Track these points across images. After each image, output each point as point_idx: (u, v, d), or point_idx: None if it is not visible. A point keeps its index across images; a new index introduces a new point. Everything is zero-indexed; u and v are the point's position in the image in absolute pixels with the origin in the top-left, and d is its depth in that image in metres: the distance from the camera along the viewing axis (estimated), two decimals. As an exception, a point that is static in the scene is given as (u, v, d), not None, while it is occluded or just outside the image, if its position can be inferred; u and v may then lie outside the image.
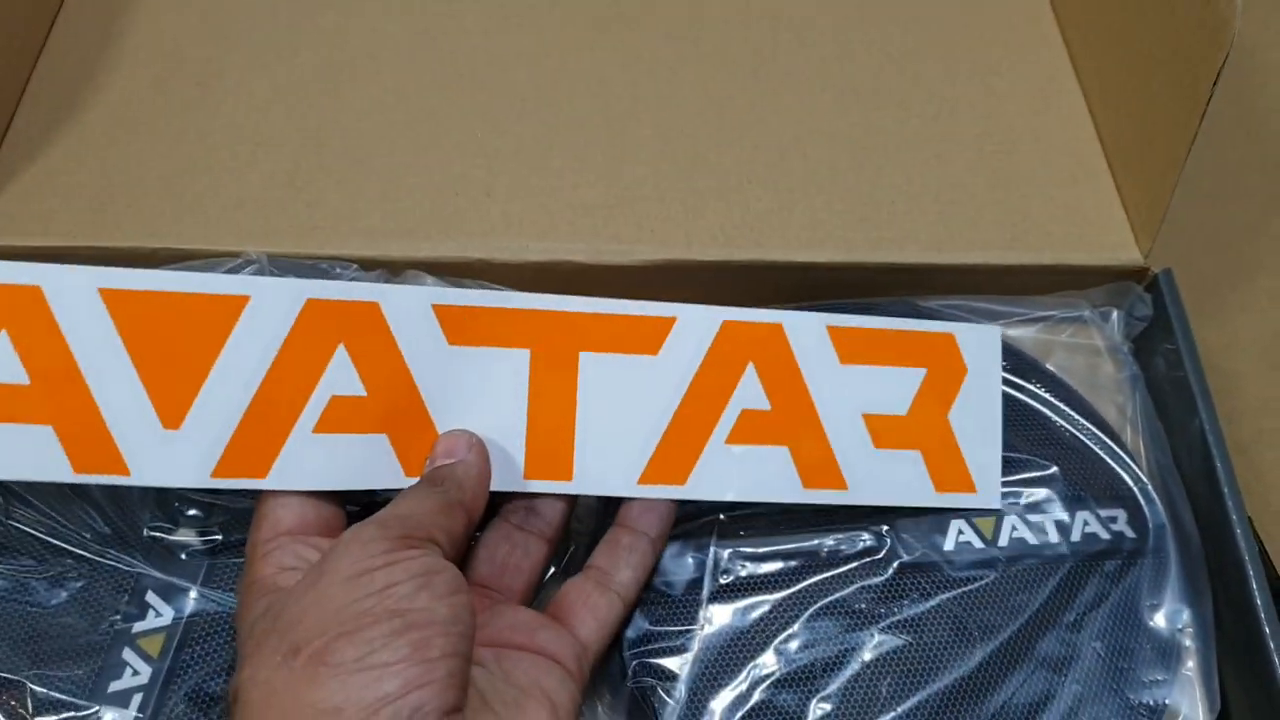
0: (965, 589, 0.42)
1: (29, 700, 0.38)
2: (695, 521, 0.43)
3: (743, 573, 0.42)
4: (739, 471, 0.42)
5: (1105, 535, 0.44)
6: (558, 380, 0.40)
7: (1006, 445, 0.45)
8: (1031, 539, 0.43)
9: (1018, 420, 0.46)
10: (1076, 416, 0.47)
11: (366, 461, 0.37)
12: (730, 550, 0.42)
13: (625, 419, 0.41)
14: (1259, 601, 0.42)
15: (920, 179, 0.51)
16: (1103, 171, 0.52)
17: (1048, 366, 0.49)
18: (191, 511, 0.41)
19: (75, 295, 0.35)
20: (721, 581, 0.42)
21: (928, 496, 0.44)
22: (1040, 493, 0.44)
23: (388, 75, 0.54)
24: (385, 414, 0.38)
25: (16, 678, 0.38)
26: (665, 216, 0.49)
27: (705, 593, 0.42)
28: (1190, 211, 0.49)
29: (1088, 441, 0.46)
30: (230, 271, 0.45)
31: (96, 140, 0.50)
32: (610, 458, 0.40)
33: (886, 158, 0.52)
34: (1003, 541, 0.43)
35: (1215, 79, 0.43)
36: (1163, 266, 0.49)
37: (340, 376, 0.37)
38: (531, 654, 0.36)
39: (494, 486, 0.38)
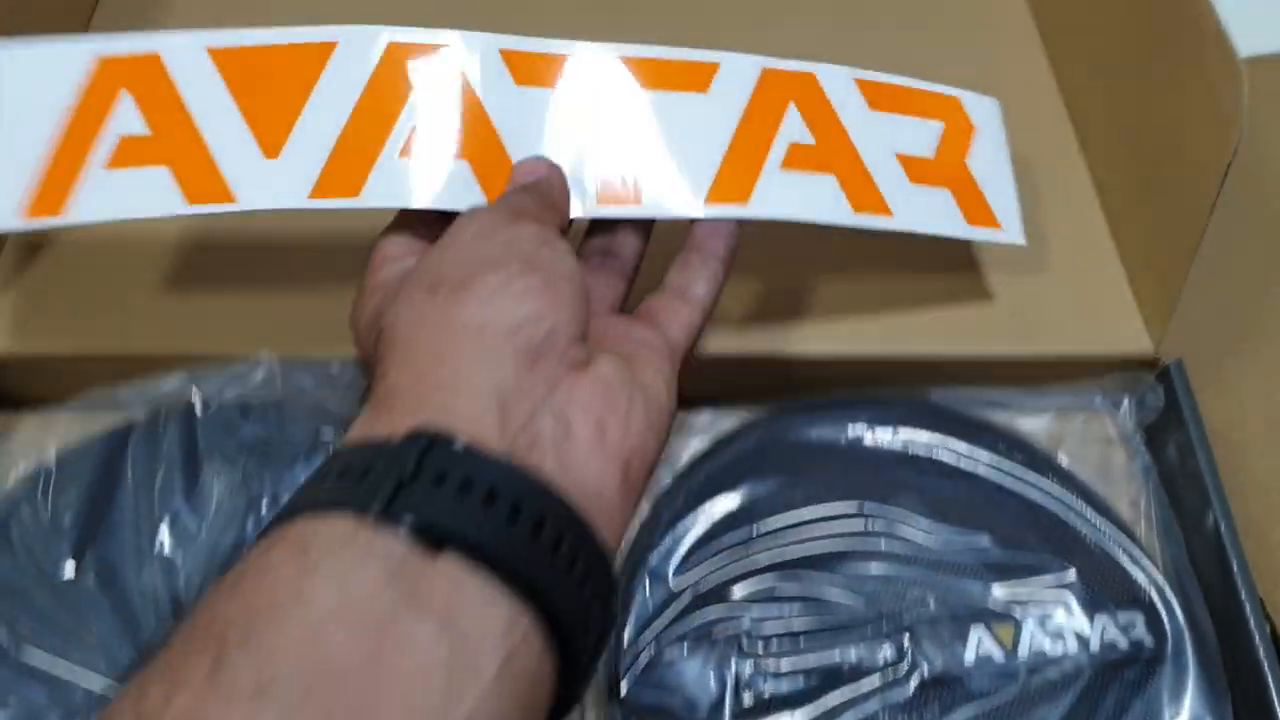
0: (987, 702, 0.42)
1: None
2: (718, 626, 0.43)
3: (765, 692, 0.42)
4: (795, 194, 0.43)
5: (1124, 643, 0.44)
6: (620, 115, 0.42)
7: (1022, 547, 0.45)
8: (1051, 649, 0.43)
9: (1035, 520, 0.46)
10: (1092, 516, 0.46)
11: (450, 184, 0.40)
12: (752, 667, 0.42)
13: (686, 147, 0.43)
14: (1278, 707, 0.42)
15: (929, 270, 0.51)
16: (1113, 261, 0.52)
17: (1061, 461, 0.48)
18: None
19: (187, 55, 0.40)
20: (745, 702, 0.42)
21: (962, 228, 0.47)
22: (1059, 598, 0.44)
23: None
24: (463, 143, 0.40)
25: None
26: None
27: (728, 714, 0.42)
28: (1200, 297, 0.49)
29: (1104, 542, 0.46)
30: (239, 377, 0.45)
31: (98, 249, 0.49)
32: (675, 181, 0.42)
33: (895, 248, 0.51)
34: (1023, 653, 0.43)
35: (1224, 173, 0.43)
36: (1174, 354, 0.49)
37: (423, 114, 0.40)
38: (630, 343, 0.36)
39: (570, 213, 0.40)
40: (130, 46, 0.39)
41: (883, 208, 0.45)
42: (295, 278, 0.49)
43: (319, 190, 0.39)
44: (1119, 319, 0.50)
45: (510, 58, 0.42)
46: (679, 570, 0.44)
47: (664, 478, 0.48)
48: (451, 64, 0.41)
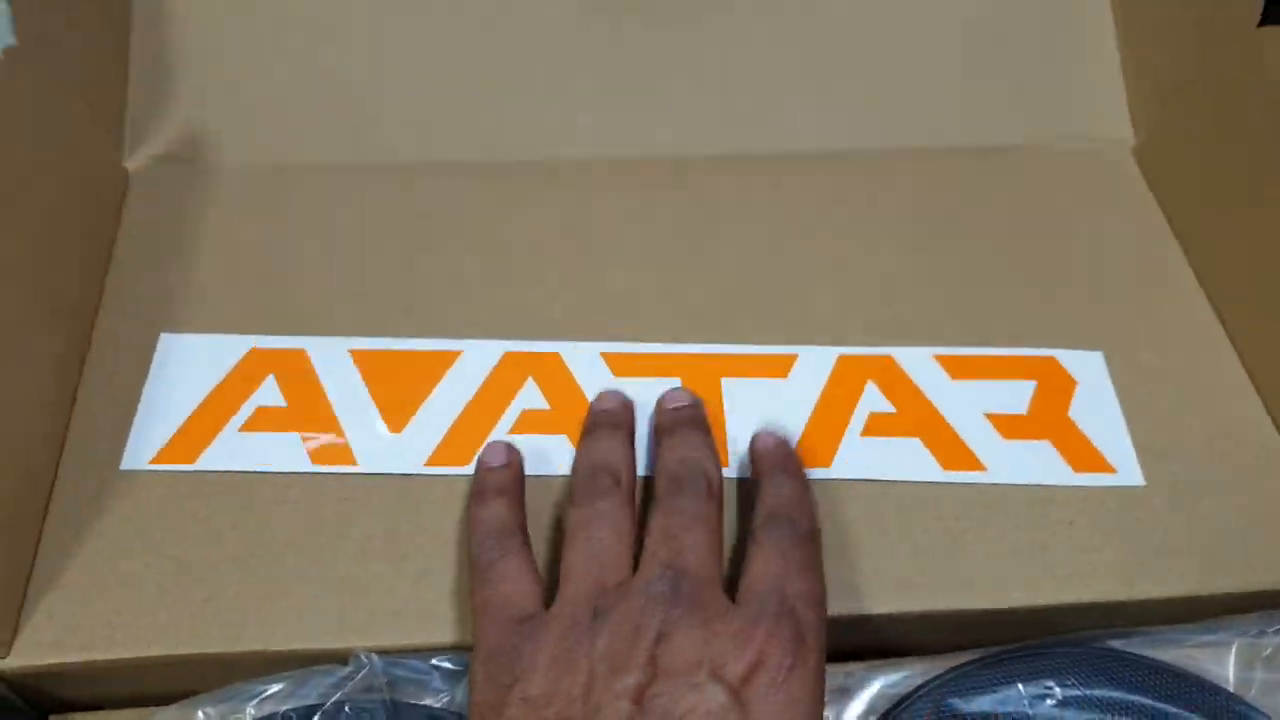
0: None
1: None
2: None
3: None
4: (878, 457, 0.46)
5: None
6: (705, 393, 0.48)
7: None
8: None
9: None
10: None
11: (551, 454, 0.46)
12: None
13: (768, 417, 0.47)
14: None
15: (1096, 501, 0.46)
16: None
17: (1259, 712, 0.43)
18: None
19: (330, 350, 0.49)
20: None
21: (1067, 476, 0.46)
22: None
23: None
24: (564, 421, 0.47)
25: None
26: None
27: None
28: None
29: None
30: (341, 680, 0.39)
31: (149, 518, 0.44)
32: None
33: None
34: None
35: None
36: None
37: (530, 397, 0.48)
38: None
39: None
40: (281, 343, 0.49)
41: (975, 464, 0.46)
42: (388, 550, 0.43)
43: (434, 460, 0.46)
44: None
45: (609, 359, 0.49)
46: None
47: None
48: (558, 364, 0.49)
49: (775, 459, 0.44)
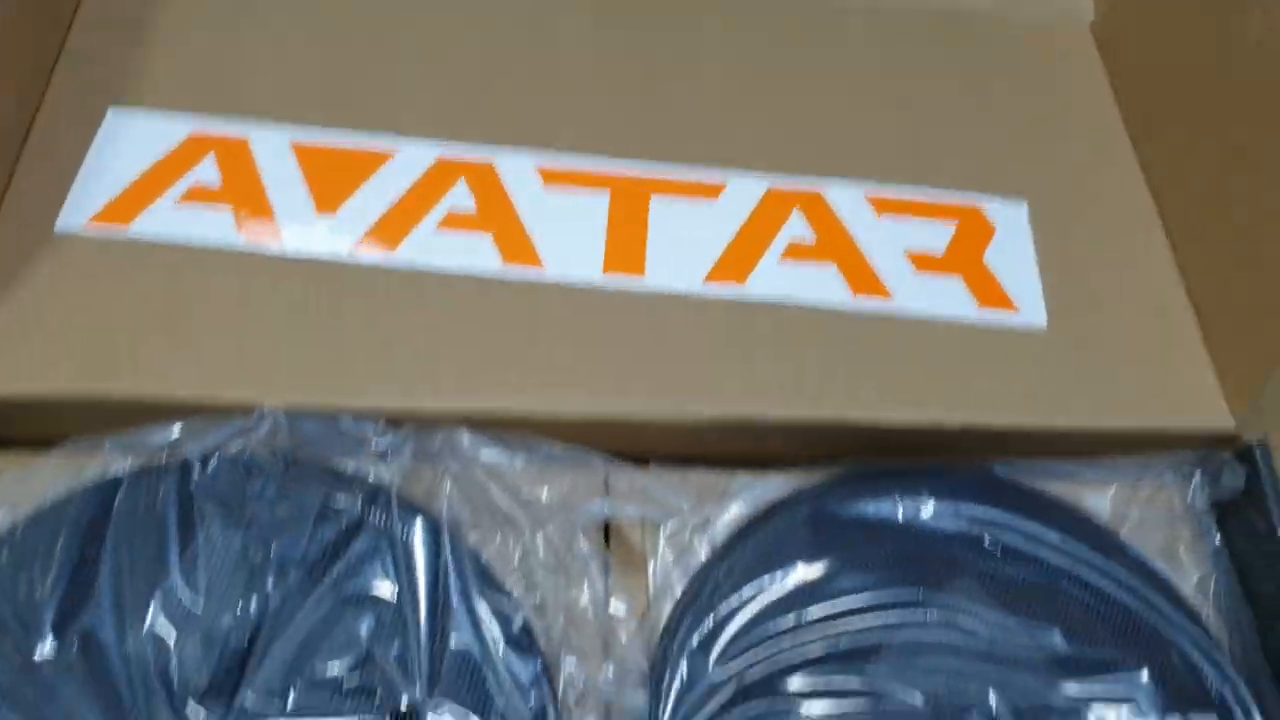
0: (1052, 813, 0.39)
1: None
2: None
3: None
4: (792, 280, 0.48)
5: (1199, 749, 0.40)
6: (633, 209, 0.49)
7: (1092, 640, 0.42)
8: (1122, 755, 0.40)
9: (1104, 611, 0.42)
10: (1164, 606, 0.43)
11: (474, 253, 0.47)
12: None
13: (691, 237, 0.49)
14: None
15: (999, 335, 0.47)
16: (1191, 329, 0.48)
17: (1130, 546, 0.45)
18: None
19: (271, 137, 0.50)
20: (790, 807, 0.38)
21: (971, 311, 0.47)
22: (1129, 698, 0.41)
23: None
24: (490, 221, 0.48)
25: None
26: (721, 369, 0.45)
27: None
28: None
29: (1177, 637, 0.42)
30: (242, 430, 0.41)
31: (82, 273, 0.45)
32: (678, 262, 0.48)
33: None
34: (1092, 758, 0.40)
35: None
36: (1258, 433, 0.45)
37: (460, 198, 0.49)
38: None
39: (576, 279, 0.47)
40: (225, 127, 0.50)
41: (882, 292, 0.48)
42: (304, 322, 0.45)
43: (359, 247, 0.47)
44: (1195, 391, 0.46)
45: (544, 172, 0.50)
46: (721, 658, 0.40)
47: (699, 548, 0.44)
48: (490, 173, 0.50)
49: None
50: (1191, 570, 0.45)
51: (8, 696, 0.36)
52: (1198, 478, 0.47)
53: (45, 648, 0.37)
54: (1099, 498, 0.46)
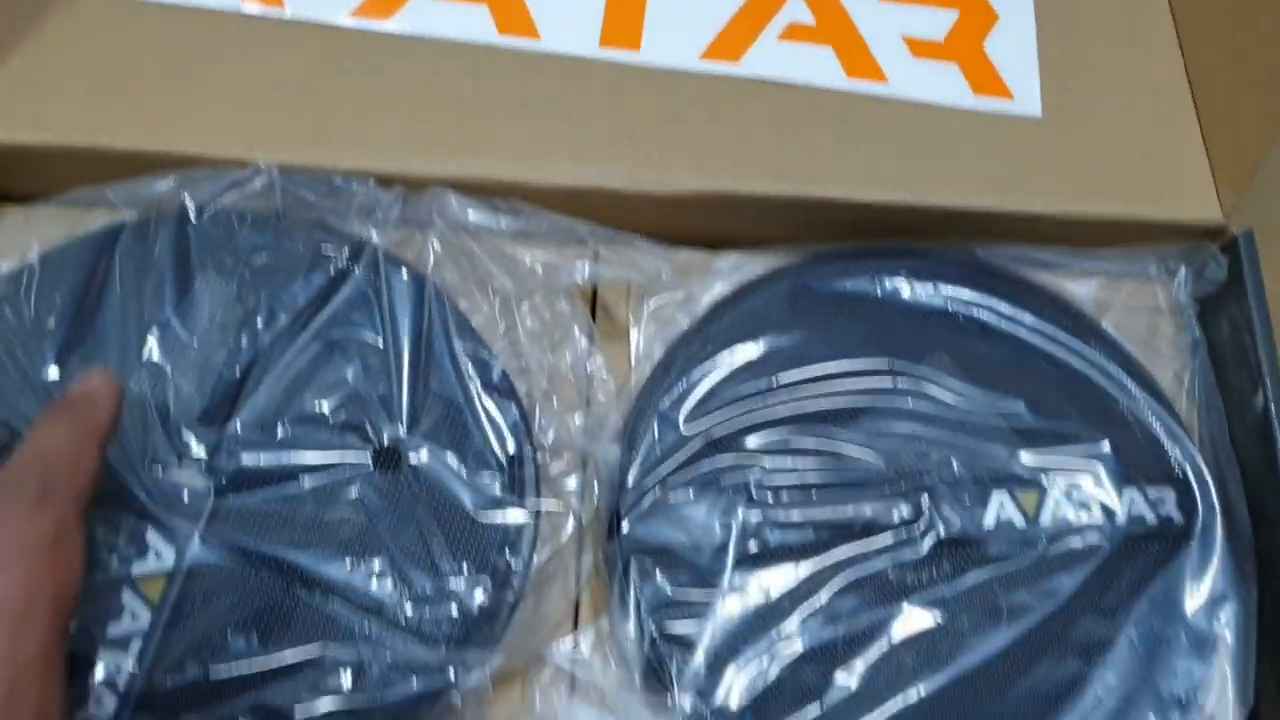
0: (1002, 567, 0.40)
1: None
2: (727, 473, 0.41)
3: (772, 541, 0.40)
4: (789, 59, 0.48)
5: (1152, 518, 0.42)
6: None
7: (1057, 415, 0.43)
8: (1074, 519, 0.41)
9: (1072, 388, 0.43)
10: (1133, 387, 0.44)
11: (470, 22, 0.47)
12: (760, 516, 0.40)
13: (690, 13, 0.48)
14: (1305, 596, 0.41)
15: (987, 117, 0.47)
16: (1188, 120, 0.47)
17: (1105, 328, 0.46)
18: (195, 451, 0.39)
19: None
20: (750, 549, 0.40)
21: (965, 97, 0.47)
22: (1088, 469, 0.42)
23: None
24: None
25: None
26: (711, 145, 0.45)
27: (730, 560, 0.40)
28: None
29: (1143, 415, 0.43)
30: (238, 182, 0.42)
31: (92, 29, 0.46)
32: (674, 37, 0.48)
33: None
34: (1045, 520, 0.41)
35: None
36: (1244, 226, 0.45)
37: None
38: None
39: (572, 51, 0.47)
40: None
41: (878, 75, 0.47)
42: (302, 84, 0.45)
43: (361, 12, 0.47)
44: (1188, 182, 0.46)
45: None
46: (691, 417, 0.42)
47: (682, 321, 0.45)
48: None
49: (67, 399, 0.35)
50: (1170, 361, 0.46)
51: (17, 414, 0.39)
52: (1182, 272, 0.47)
53: (50, 373, 0.40)
54: (1082, 288, 0.47)
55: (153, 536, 0.38)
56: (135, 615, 0.37)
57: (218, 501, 0.39)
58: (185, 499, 0.38)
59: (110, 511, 0.38)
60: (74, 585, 0.31)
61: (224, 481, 0.39)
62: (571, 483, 0.42)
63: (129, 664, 0.37)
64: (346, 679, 0.37)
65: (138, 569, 0.38)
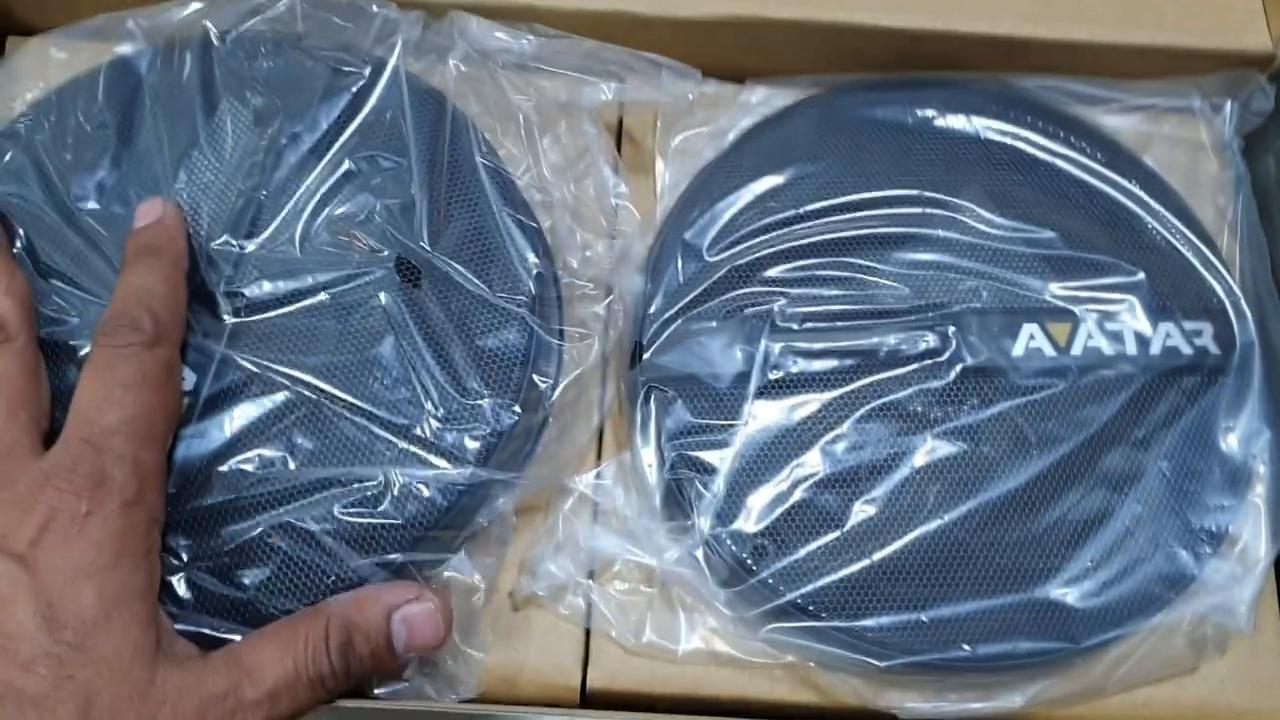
0: (1030, 397, 0.40)
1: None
2: (751, 303, 0.40)
3: (794, 369, 0.40)
4: None
5: (1187, 350, 0.41)
6: None
7: (1092, 246, 0.42)
8: (1107, 349, 0.40)
9: (1109, 220, 0.42)
10: (1172, 219, 0.42)
11: None
12: (783, 345, 0.40)
13: None
14: (1343, 429, 0.40)
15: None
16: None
17: (1146, 161, 0.44)
18: (219, 272, 0.39)
19: None
20: (771, 377, 0.40)
21: None
22: (1123, 300, 0.41)
23: None
24: None
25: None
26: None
27: (752, 387, 0.40)
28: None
29: (1181, 247, 0.42)
30: (260, 9, 0.42)
31: None
32: None
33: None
34: (1076, 350, 0.40)
35: None
36: (1293, 54, 0.43)
37: None
38: None
39: None
40: None
41: None
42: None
43: None
44: (1235, 8, 0.44)
45: None
46: (715, 246, 0.41)
47: (709, 154, 0.44)
48: None
49: (147, 238, 0.37)
50: (1212, 197, 0.45)
51: (55, 241, 0.39)
52: (1228, 106, 0.45)
53: (88, 203, 0.40)
54: (1122, 122, 0.45)
55: (176, 359, 0.38)
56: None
57: (240, 322, 0.39)
58: (208, 320, 0.39)
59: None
60: (177, 408, 0.36)
61: (246, 302, 0.39)
62: (596, 312, 0.41)
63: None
64: (373, 497, 0.37)
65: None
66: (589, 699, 0.39)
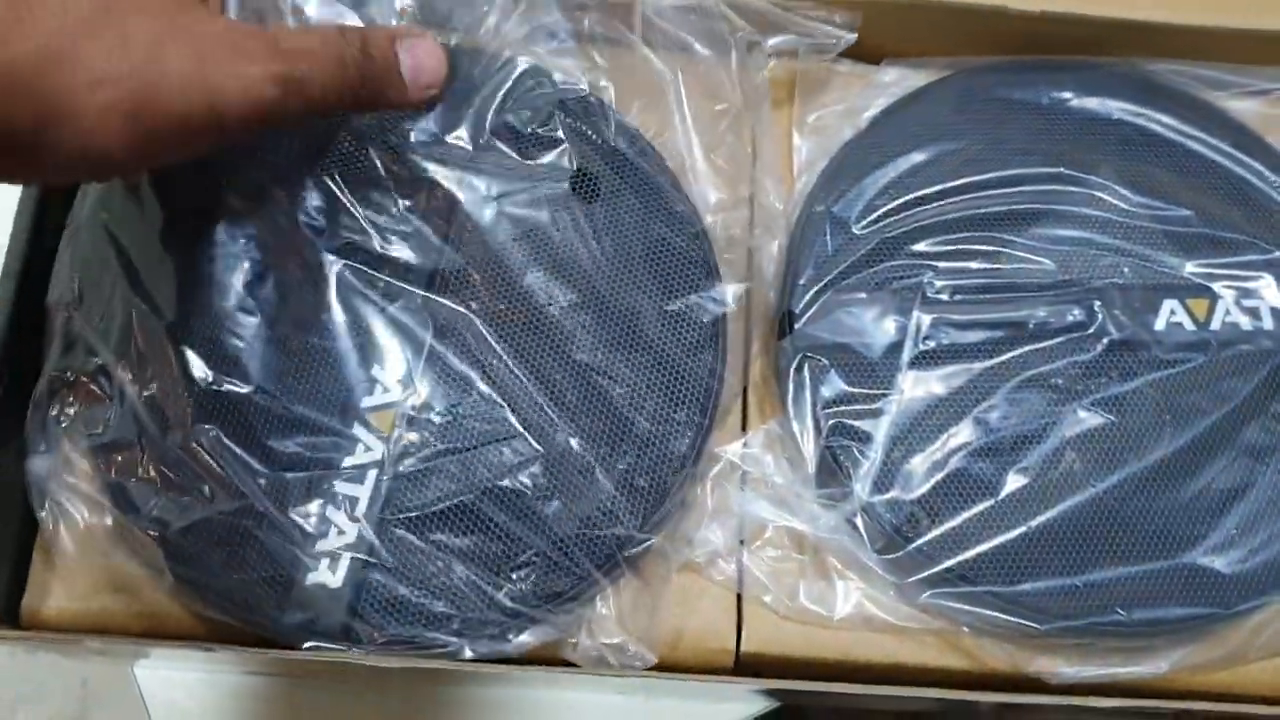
0: (1172, 370, 0.41)
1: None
2: (900, 275, 0.41)
3: (945, 340, 0.41)
4: None
5: (1322, 325, 0.42)
6: None
7: (1226, 225, 0.43)
8: (1246, 324, 0.41)
9: (1242, 199, 0.43)
10: (1304, 200, 0.43)
11: None
12: (934, 316, 0.41)
13: None
14: None
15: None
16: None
17: (1274, 146, 0.45)
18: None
19: None
20: (923, 348, 0.40)
21: None
22: (1259, 278, 0.42)
23: None
24: None
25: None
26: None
27: (905, 358, 0.40)
28: None
29: (1314, 227, 0.43)
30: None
31: None
32: None
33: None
34: (1215, 325, 0.41)
35: None
36: None
37: None
38: None
39: None
40: None
41: None
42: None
43: None
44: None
45: None
46: (862, 219, 0.42)
47: (845, 132, 0.45)
48: None
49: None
50: (1331, 181, 0.46)
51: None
52: (1354, 90, 0.46)
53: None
54: (1246, 104, 0.46)
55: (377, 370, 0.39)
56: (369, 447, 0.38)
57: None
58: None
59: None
60: None
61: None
62: (735, 285, 0.42)
63: (366, 494, 0.37)
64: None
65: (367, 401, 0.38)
66: (742, 663, 0.40)
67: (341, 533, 0.37)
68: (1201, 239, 0.42)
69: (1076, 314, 0.41)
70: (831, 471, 0.40)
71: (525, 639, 0.38)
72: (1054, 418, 0.40)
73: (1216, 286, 0.42)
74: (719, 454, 0.41)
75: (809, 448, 0.40)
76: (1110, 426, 0.40)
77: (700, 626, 0.40)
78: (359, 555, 0.37)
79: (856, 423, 0.40)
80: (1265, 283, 0.42)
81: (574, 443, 0.38)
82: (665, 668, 0.39)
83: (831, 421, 0.40)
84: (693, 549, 0.40)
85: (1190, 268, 0.42)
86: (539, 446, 0.38)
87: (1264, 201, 0.43)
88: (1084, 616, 0.38)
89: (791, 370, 0.41)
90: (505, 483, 0.38)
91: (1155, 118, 0.44)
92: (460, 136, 0.40)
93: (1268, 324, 0.42)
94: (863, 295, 0.41)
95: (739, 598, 0.40)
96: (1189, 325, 0.41)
